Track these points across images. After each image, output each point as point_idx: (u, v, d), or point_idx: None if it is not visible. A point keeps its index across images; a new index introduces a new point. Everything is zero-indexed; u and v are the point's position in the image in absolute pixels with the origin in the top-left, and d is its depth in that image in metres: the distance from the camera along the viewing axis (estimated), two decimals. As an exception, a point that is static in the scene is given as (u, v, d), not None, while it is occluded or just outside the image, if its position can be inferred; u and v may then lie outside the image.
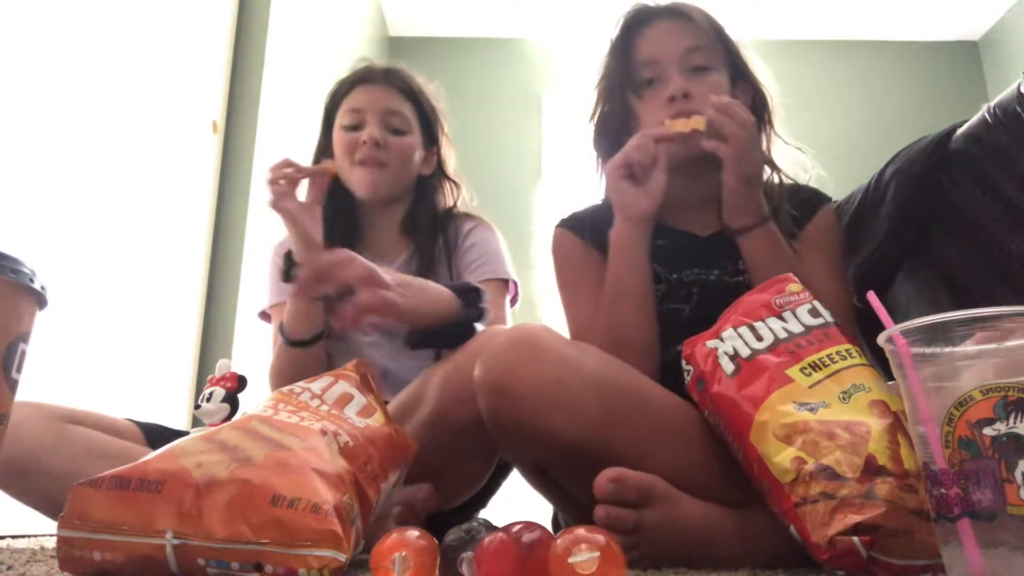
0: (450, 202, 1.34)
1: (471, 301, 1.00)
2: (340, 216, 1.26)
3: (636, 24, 1.05)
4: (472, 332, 0.98)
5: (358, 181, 1.23)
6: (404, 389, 1.02)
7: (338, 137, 1.26)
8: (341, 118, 1.27)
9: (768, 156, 1.07)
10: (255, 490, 0.49)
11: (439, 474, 0.90)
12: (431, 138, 1.32)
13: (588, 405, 0.73)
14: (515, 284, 1.28)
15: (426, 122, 1.31)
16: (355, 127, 1.24)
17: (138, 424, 1.08)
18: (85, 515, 0.49)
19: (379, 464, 0.64)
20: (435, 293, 0.97)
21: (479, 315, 1.00)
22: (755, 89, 1.07)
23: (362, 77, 1.29)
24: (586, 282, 1.04)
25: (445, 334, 0.98)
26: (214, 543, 0.48)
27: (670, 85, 0.99)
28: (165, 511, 0.49)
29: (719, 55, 1.02)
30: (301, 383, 0.70)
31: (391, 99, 1.27)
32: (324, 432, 0.59)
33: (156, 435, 1.06)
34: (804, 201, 1.05)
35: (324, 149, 1.31)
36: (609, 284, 0.95)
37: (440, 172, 1.34)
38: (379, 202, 1.27)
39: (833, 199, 1.13)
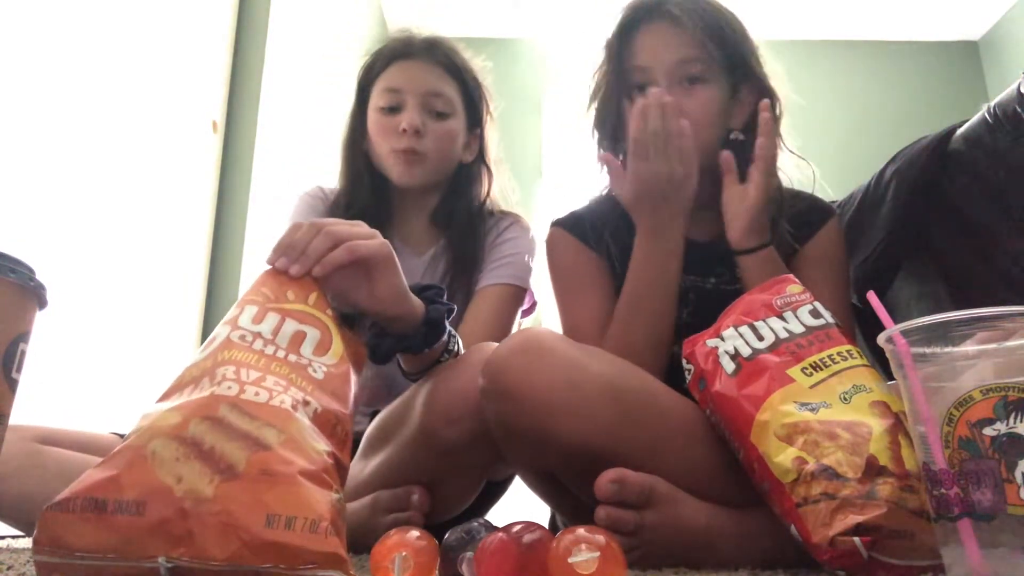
0: (491, 192, 1.24)
1: (433, 298, 0.84)
2: (372, 195, 1.17)
3: (632, 23, 1.02)
4: (442, 330, 0.83)
5: (393, 170, 1.15)
6: (393, 403, 0.94)
7: (374, 119, 1.16)
8: (377, 98, 1.15)
9: None
10: (247, 509, 0.47)
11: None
12: (475, 119, 1.21)
13: (601, 408, 0.72)
14: (532, 297, 1.20)
15: (470, 102, 1.20)
16: (393, 109, 1.14)
17: (124, 438, 1.05)
18: (59, 541, 0.46)
19: (349, 417, 0.62)
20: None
21: (448, 311, 0.84)
22: (761, 92, 1.02)
23: (401, 51, 1.17)
24: (587, 285, 1.03)
25: (414, 333, 0.80)
26: (213, 566, 0.46)
27: None
28: (152, 535, 0.46)
29: (715, 62, 0.98)
30: (247, 324, 0.63)
31: (433, 78, 1.15)
32: (295, 407, 0.56)
33: None
34: (807, 214, 1.02)
35: (359, 130, 1.19)
36: (655, 290, 0.94)
37: (481, 160, 1.23)
38: (414, 190, 1.18)
39: (833, 200, 1.12)
